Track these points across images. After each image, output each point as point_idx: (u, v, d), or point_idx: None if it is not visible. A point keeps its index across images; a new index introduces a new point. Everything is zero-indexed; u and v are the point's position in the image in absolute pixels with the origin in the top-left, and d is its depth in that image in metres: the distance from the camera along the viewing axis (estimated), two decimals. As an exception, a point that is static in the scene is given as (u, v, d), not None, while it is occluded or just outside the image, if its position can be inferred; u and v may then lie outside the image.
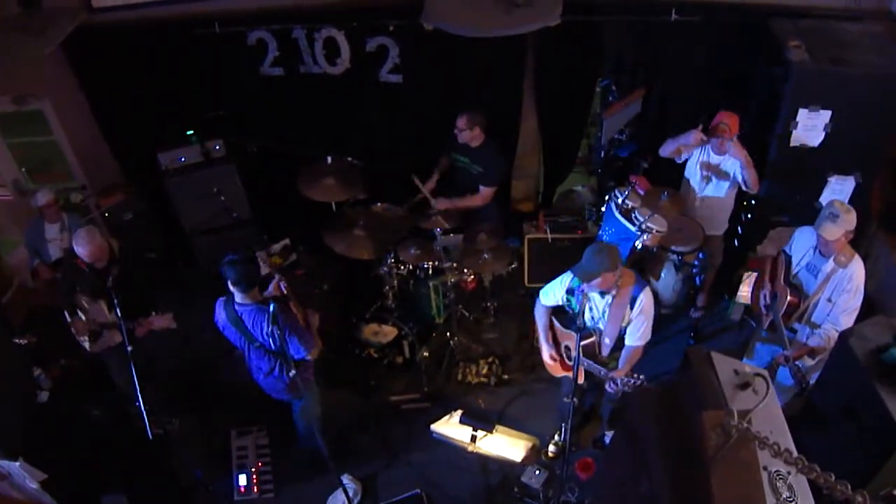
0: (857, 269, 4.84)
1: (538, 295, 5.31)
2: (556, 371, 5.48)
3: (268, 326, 4.58)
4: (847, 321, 4.83)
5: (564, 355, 5.39)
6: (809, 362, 5.06)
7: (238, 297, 4.84)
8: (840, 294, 4.86)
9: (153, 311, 5.48)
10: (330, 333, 5.35)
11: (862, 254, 6.21)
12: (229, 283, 4.78)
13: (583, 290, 4.84)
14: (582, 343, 4.79)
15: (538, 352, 5.58)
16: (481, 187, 6.72)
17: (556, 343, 5.41)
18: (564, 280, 5.09)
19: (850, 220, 4.69)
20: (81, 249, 5.38)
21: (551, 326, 5.36)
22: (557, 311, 5.33)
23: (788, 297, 5.06)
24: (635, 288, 4.86)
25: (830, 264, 4.86)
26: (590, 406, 6.08)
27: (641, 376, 4.65)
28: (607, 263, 4.61)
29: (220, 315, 4.98)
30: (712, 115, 5.89)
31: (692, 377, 2.93)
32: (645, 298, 4.86)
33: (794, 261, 5.18)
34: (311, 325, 5.16)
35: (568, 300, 5.10)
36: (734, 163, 5.90)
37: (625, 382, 4.73)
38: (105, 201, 7.35)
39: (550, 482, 5.59)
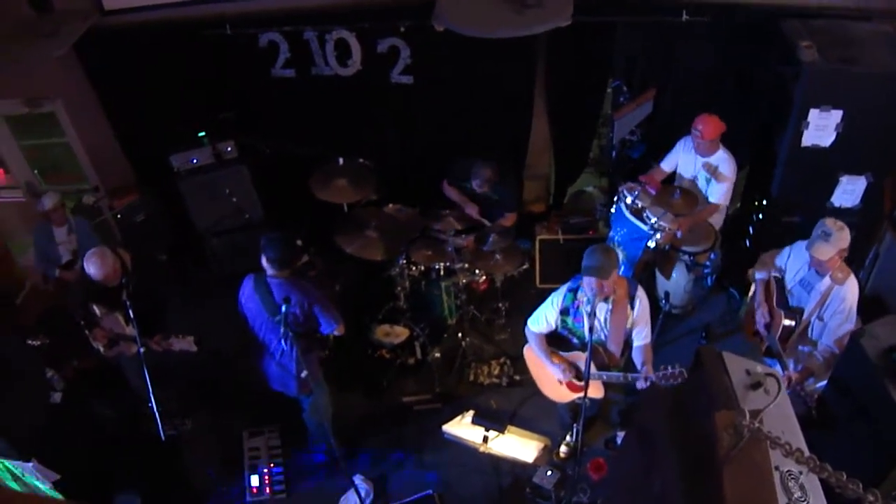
0: (851, 288, 4.72)
1: (525, 326, 5.20)
2: (567, 396, 5.33)
3: (281, 323, 4.67)
4: (840, 345, 4.72)
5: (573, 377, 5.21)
6: (810, 383, 4.95)
7: (270, 271, 4.96)
8: (832, 316, 4.76)
9: (172, 334, 5.41)
10: (342, 334, 5.36)
11: (873, 254, 6.21)
12: (264, 258, 4.91)
13: (583, 303, 4.79)
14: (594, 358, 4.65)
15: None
16: (505, 213, 6.76)
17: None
18: (556, 301, 4.98)
19: (843, 237, 4.57)
20: (93, 271, 5.24)
21: (553, 353, 5.19)
22: (550, 339, 5.19)
23: (783, 322, 4.99)
24: (631, 288, 4.85)
25: (826, 281, 4.76)
26: (595, 411, 6.04)
27: (678, 366, 4.44)
28: (615, 261, 4.61)
29: (248, 286, 5.08)
30: (722, 116, 5.90)
31: (704, 377, 2.93)
32: (642, 295, 4.86)
33: (789, 276, 5.11)
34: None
35: (563, 321, 5.02)
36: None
37: (665, 377, 4.51)
38: (117, 202, 7.42)
39: (562, 483, 5.58)
